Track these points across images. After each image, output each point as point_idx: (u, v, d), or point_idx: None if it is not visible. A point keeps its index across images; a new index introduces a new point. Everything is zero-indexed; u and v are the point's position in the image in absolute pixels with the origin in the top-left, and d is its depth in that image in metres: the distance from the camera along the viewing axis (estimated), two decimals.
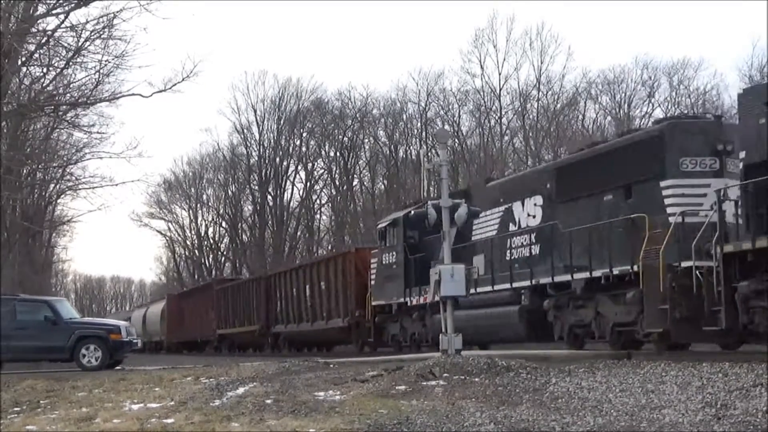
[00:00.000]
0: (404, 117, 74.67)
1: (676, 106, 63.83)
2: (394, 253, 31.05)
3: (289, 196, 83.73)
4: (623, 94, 67.35)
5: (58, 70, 31.96)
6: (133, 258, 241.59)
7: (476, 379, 15.43)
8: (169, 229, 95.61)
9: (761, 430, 9.74)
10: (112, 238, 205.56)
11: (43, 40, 30.43)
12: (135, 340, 29.77)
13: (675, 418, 10.76)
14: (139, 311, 79.61)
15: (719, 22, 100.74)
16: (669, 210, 19.25)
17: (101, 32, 30.11)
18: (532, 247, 23.88)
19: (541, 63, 67.08)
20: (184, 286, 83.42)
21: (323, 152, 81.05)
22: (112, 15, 29.36)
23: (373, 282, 33.09)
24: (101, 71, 31.23)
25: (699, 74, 66.53)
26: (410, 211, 28.23)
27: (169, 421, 12.79)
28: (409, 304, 29.95)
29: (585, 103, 68.84)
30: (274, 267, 61.22)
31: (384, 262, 31.77)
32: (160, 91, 31.00)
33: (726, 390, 11.98)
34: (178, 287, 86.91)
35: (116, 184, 37.95)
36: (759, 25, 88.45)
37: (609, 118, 67.96)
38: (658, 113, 64.23)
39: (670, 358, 16.52)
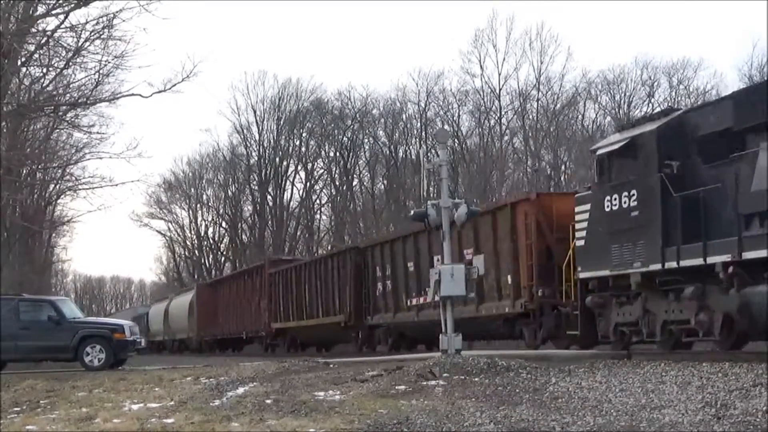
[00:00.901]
0: (404, 117, 74.81)
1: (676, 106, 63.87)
2: (632, 192, 19.38)
3: (288, 196, 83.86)
4: (623, 94, 67.46)
5: (58, 70, 32.03)
6: (133, 258, 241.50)
7: (476, 379, 15.43)
8: (169, 229, 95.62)
9: (761, 429, 9.74)
10: (112, 239, 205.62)
11: (43, 40, 30.47)
12: (139, 340, 29.80)
13: (675, 417, 10.76)
14: (159, 306, 73.27)
15: (719, 22, 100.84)
16: None
17: (101, 32, 30.17)
18: None
19: (541, 63, 67.24)
20: (184, 285, 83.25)
21: (323, 152, 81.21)
22: (112, 15, 29.43)
23: (581, 242, 21.16)
24: (101, 71, 31.31)
25: (699, 74, 66.68)
26: (670, 120, 19.03)
27: (169, 421, 12.80)
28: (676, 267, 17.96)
29: (585, 103, 68.96)
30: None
31: (606, 209, 20.08)
32: (160, 92, 31.06)
33: (726, 390, 11.99)
34: (177, 287, 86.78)
35: (116, 185, 37.92)
36: (759, 25, 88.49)
37: (609, 118, 67.99)
38: None
39: (670, 358, 16.52)
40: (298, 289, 41.18)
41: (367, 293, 34.93)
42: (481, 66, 67.68)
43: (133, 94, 31.54)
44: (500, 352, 20.94)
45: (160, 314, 67.91)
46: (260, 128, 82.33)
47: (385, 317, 33.59)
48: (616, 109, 67.59)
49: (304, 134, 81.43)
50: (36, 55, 31.42)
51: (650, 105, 66.54)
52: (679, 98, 65.18)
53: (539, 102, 67.91)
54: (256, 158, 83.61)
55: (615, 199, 19.90)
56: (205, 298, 56.41)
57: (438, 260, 23.89)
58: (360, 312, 35.26)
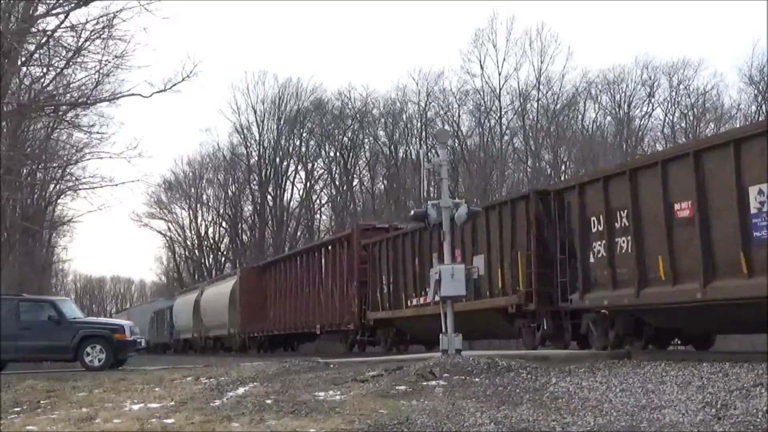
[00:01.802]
0: (404, 117, 74.90)
1: (676, 106, 63.96)
2: None
3: (289, 196, 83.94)
4: (623, 94, 67.55)
5: (58, 70, 32.04)
6: (134, 258, 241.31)
7: (476, 379, 15.42)
8: (169, 229, 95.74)
9: (762, 429, 9.74)
10: (112, 239, 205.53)
11: (43, 40, 30.47)
12: (139, 340, 29.80)
13: (675, 418, 10.76)
14: (187, 297, 63.42)
15: (719, 22, 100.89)
16: None
17: (101, 32, 30.17)
18: None
19: (541, 63, 67.32)
20: (184, 285, 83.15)
21: (323, 152, 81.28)
22: (112, 15, 29.42)
23: None
24: (101, 71, 31.31)
25: (699, 74, 66.71)
26: None
27: (170, 421, 12.78)
28: None
29: (585, 103, 69.04)
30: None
31: None
32: (160, 91, 31.03)
33: (726, 390, 11.98)
34: (177, 287, 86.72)
35: (116, 185, 38.11)
36: (759, 26, 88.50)
37: (609, 118, 68.07)
38: (659, 113, 64.42)
39: (671, 358, 16.52)
40: (416, 263, 29.98)
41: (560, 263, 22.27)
42: (481, 66, 67.83)
43: (133, 94, 31.55)
44: (501, 352, 20.94)
45: (188, 307, 59.49)
46: (260, 128, 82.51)
47: (604, 296, 20.72)
48: (617, 109, 67.69)
49: (304, 134, 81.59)
50: (36, 55, 31.46)
51: (650, 105, 66.69)
52: (679, 98, 65.29)
53: (539, 102, 68.01)
54: (257, 158, 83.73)
55: None
56: (252, 285, 47.17)
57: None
58: (547, 291, 23.15)
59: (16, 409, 15.84)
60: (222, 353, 50.59)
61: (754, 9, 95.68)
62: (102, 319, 38.98)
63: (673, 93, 66.41)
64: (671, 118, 66.79)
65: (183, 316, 62.43)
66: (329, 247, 38.58)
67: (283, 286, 43.88)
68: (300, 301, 40.74)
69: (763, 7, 67.01)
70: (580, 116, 69.49)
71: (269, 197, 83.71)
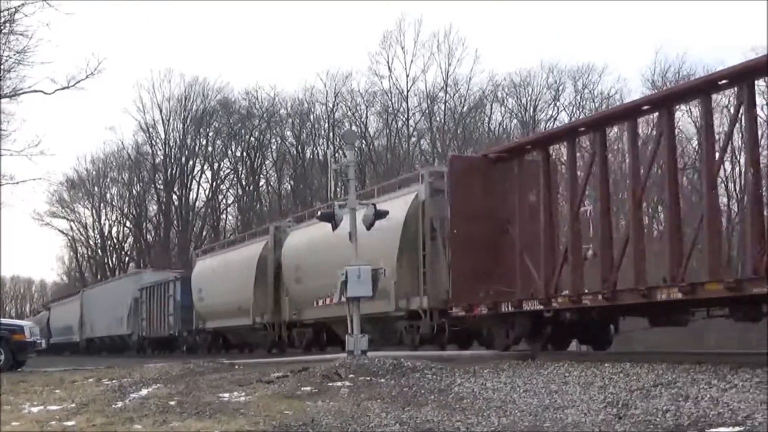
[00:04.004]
0: (311, 117, 74.73)
1: (580, 110, 64.88)
2: None
3: (194, 195, 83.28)
4: (529, 97, 68.23)
5: None
6: (34, 258, 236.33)
7: (382, 380, 15.44)
8: (72, 228, 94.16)
9: (662, 429, 9.90)
10: (12, 238, 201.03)
11: None
12: (39, 341, 29.22)
13: (577, 417, 10.89)
14: (239, 253, 38.89)
15: (623, 29, 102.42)
16: None
17: (2, 27, 29.58)
18: None
19: (449, 65, 67.74)
20: (86, 285, 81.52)
21: (229, 152, 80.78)
22: (14, 9, 28.87)
23: None
24: (2, 66, 30.67)
25: (603, 79, 67.75)
26: None
27: (70, 423, 12.58)
28: None
29: (491, 105, 69.56)
30: None
31: None
32: (64, 88, 30.65)
33: (627, 390, 12.17)
34: (79, 286, 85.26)
35: (17, 182, 37.26)
36: (661, 32, 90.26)
37: (515, 120, 68.76)
38: (564, 116, 65.27)
39: (573, 359, 16.74)
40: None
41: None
42: (389, 67, 68.07)
43: (35, 91, 31.03)
44: (406, 353, 21.02)
45: (246, 270, 36.01)
46: (166, 127, 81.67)
47: None
48: (523, 112, 68.41)
49: (210, 133, 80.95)
50: None
51: (556, 108, 67.53)
52: (584, 102, 66.23)
53: (447, 104, 68.43)
54: (162, 157, 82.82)
55: None
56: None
57: None
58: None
59: None
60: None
61: (658, 15, 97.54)
62: (1, 320, 38.13)
63: (578, 97, 67.44)
64: None
65: (227, 287, 37.87)
66: None
67: None
68: None
69: (663, 14, 68.14)
70: (486, 118, 70.15)
71: (175, 197, 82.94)
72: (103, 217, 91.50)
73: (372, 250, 21.84)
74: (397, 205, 25.01)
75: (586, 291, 18.86)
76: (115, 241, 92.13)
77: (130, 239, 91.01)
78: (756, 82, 16.23)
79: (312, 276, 30.31)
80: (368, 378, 15.79)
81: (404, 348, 25.08)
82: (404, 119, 68.95)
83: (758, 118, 19.10)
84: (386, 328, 26.90)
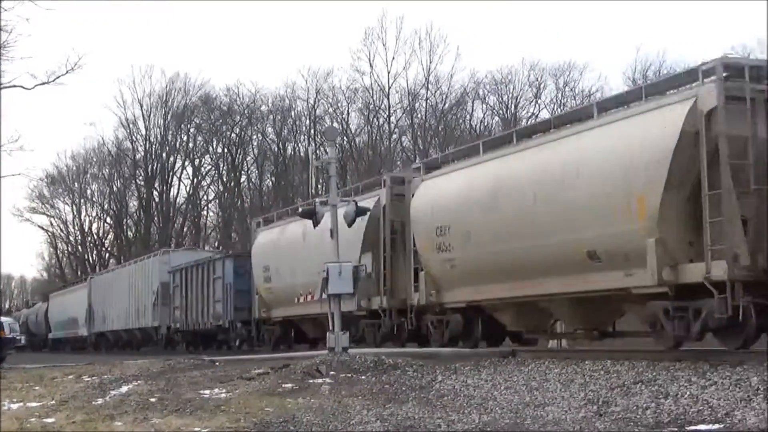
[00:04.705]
0: (293, 114, 74.63)
1: (561, 108, 64.98)
2: None
3: (175, 191, 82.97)
4: (510, 95, 68.29)
5: None
6: (13, 254, 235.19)
7: (363, 377, 15.45)
8: (52, 224, 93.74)
9: (642, 426, 9.94)
10: None
11: None
12: (19, 337, 29.10)
13: (558, 415, 10.91)
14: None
15: (604, 27, 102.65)
16: None
17: None
18: None
19: (430, 62, 67.66)
20: (66, 282, 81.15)
21: (210, 148, 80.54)
22: None
23: None
24: None
25: (584, 76, 67.98)
26: None
27: (50, 420, 12.52)
28: None
29: (473, 103, 69.59)
30: None
31: None
32: (43, 84, 30.48)
33: (608, 387, 12.22)
34: (60, 283, 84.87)
35: None
36: (642, 31, 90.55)
37: (497, 118, 68.82)
38: (545, 114, 65.36)
39: (554, 357, 16.77)
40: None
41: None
42: (370, 64, 67.94)
43: (15, 86, 30.86)
44: (387, 350, 21.04)
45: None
46: (147, 123, 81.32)
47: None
48: (504, 110, 68.48)
49: (191, 129, 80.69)
50: None
51: (537, 105, 67.63)
52: (565, 99, 66.37)
53: (428, 101, 68.41)
54: (143, 153, 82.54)
55: None
56: None
57: None
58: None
59: None
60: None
61: (638, 15, 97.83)
62: None
63: (559, 94, 67.56)
64: None
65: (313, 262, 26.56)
66: None
67: None
68: None
69: (643, 13, 68.31)
70: (468, 116, 70.18)
71: (155, 193, 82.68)
72: (83, 213, 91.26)
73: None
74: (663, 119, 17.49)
75: None
76: (95, 237, 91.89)
77: (111, 235, 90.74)
78: None
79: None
80: (349, 375, 15.79)
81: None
82: (386, 116, 68.95)
83: None
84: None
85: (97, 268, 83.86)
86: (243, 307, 36.42)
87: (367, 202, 24.84)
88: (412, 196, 24.15)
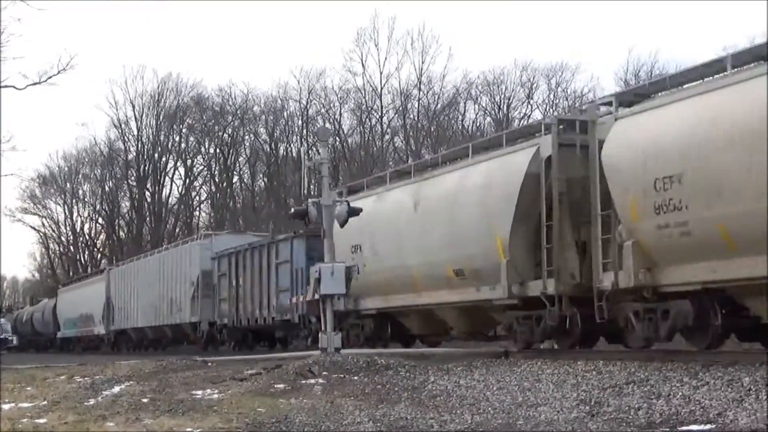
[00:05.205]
0: (285, 114, 74.53)
1: (554, 108, 65.05)
2: None
3: (167, 192, 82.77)
4: (502, 95, 68.27)
5: None
6: (5, 254, 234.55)
7: (355, 378, 15.45)
8: (44, 224, 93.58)
9: (634, 426, 9.95)
10: None
11: None
12: (10, 337, 29.06)
13: (550, 415, 10.92)
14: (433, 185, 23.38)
15: (596, 29, 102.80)
16: None
17: None
18: None
19: (422, 63, 67.62)
20: (59, 283, 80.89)
21: (203, 149, 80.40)
22: None
23: None
24: None
25: (576, 77, 68.01)
26: None
27: (42, 421, 12.51)
28: None
29: (465, 103, 69.58)
30: None
31: None
32: (35, 84, 30.41)
33: (600, 387, 12.22)
34: (51, 283, 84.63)
35: None
36: (634, 32, 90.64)
37: (489, 118, 68.84)
38: (537, 114, 65.45)
39: (547, 357, 16.78)
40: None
41: None
42: (363, 64, 67.88)
43: (6, 86, 30.80)
44: (379, 350, 21.04)
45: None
46: (139, 123, 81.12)
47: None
48: (496, 110, 68.49)
49: (183, 130, 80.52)
50: None
51: (529, 106, 67.68)
52: (557, 100, 66.42)
53: (420, 102, 68.39)
54: (135, 153, 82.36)
55: None
56: None
57: None
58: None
59: None
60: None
61: (630, 16, 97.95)
62: None
63: (552, 95, 67.58)
64: None
65: (438, 234, 22.35)
66: None
67: None
68: None
69: (636, 15, 68.36)
70: (460, 116, 70.14)
71: (147, 193, 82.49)
72: (75, 214, 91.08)
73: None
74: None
75: None
76: (87, 237, 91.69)
77: (103, 236, 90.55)
78: None
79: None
80: (341, 375, 15.79)
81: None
82: (378, 117, 68.92)
83: None
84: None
85: (89, 268, 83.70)
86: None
87: (517, 156, 20.03)
88: (599, 142, 18.15)
